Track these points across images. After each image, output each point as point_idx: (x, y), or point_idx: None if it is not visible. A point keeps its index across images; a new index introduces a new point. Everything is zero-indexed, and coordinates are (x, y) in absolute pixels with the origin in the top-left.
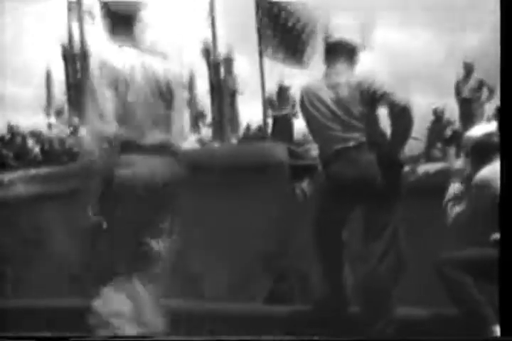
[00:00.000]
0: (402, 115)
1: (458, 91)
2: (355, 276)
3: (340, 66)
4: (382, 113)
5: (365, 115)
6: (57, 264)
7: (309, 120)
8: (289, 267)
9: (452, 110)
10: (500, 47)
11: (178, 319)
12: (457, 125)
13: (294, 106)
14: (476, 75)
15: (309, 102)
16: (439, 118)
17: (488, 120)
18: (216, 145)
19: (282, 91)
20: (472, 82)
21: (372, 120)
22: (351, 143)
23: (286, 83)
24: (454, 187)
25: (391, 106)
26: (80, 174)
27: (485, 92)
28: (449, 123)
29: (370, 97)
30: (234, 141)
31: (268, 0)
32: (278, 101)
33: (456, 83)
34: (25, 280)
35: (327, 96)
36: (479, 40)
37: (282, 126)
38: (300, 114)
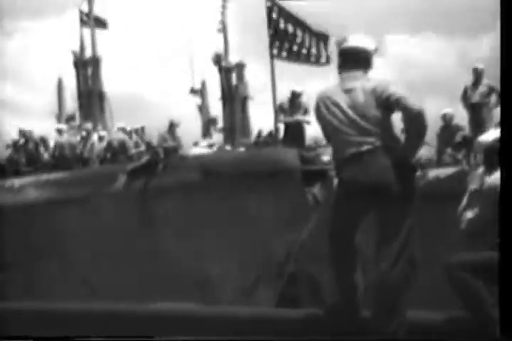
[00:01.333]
0: (416, 120)
1: (465, 97)
2: (368, 280)
3: (355, 71)
4: (395, 117)
5: (380, 119)
6: (68, 268)
7: (325, 125)
8: (299, 271)
9: (462, 115)
10: (501, 49)
11: (189, 322)
12: (467, 130)
13: (305, 111)
14: (486, 81)
15: (325, 107)
16: (448, 124)
17: (498, 125)
18: (228, 150)
19: (294, 97)
20: (481, 88)
21: (386, 124)
22: (365, 148)
23: (298, 89)
24: (469, 194)
25: (405, 111)
26: None
27: (494, 97)
28: (459, 128)
29: (385, 102)
30: (245, 146)
31: (279, 5)
32: (290, 107)
33: (465, 89)
34: (36, 284)
35: (343, 101)
36: (489, 45)
37: (294, 132)
38: (315, 119)
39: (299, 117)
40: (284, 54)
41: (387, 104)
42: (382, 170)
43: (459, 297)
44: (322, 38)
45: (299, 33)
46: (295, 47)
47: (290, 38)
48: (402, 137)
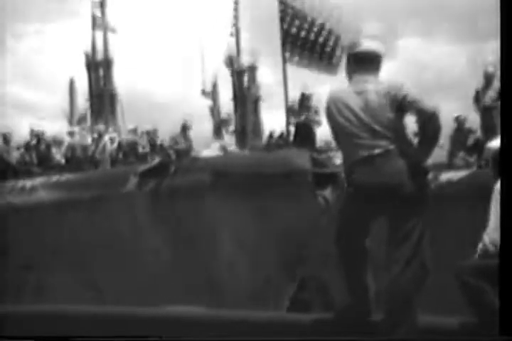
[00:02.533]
0: (430, 122)
1: (477, 100)
2: (379, 284)
3: (367, 75)
4: (407, 120)
5: (393, 122)
6: (78, 269)
7: (336, 127)
8: (310, 275)
9: (475, 118)
10: (501, 51)
11: (198, 326)
12: (479, 133)
13: (315, 113)
14: (497, 84)
15: (336, 109)
16: (460, 127)
17: None
18: (239, 152)
19: (304, 99)
20: (492, 91)
21: (399, 127)
22: (377, 151)
23: (308, 91)
24: None
25: (420, 113)
26: None
27: None
28: (472, 131)
29: (399, 104)
30: (257, 148)
31: (292, 6)
32: (299, 109)
33: (476, 92)
34: (46, 285)
35: (355, 103)
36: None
37: (304, 133)
38: (326, 121)
39: (307, 117)
40: (296, 58)
41: (402, 105)
42: (394, 173)
43: (467, 301)
44: (335, 37)
45: (312, 36)
46: (306, 52)
47: (302, 42)
48: (414, 140)
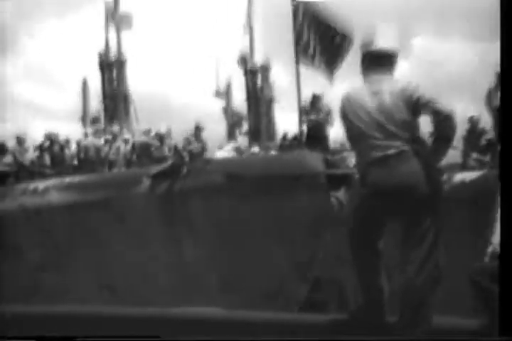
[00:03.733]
0: (445, 123)
1: (489, 101)
2: (393, 286)
3: (382, 74)
4: (422, 121)
5: (408, 122)
6: (90, 271)
7: (350, 127)
8: (324, 276)
9: (488, 119)
10: (501, 50)
11: (212, 327)
12: (492, 134)
13: (328, 114)
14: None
15: (351, 109)
16: (474, 127)
17: None
18: (253, 153)
19: (315, 99)
20: None
21: (413, 127)
22: (391, 151)
23: (320, 91)
24: None
25: (435, 114)
26: None
27: None
28: (485, 132)
29: (414, 104)
30: (270, 149)
31: (305, 8)
32: (311, 109)
33: (488, 92)
34: (59, 287)
35: (369, 103)
36: None
37: (315, 133)
38: (340, 121)
39: (318, 117)
40: (308, 59)
41: (417, 106)
42: (408, 173)
43: (479, 302)
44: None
45: (323, 38)
46: (317, 53)
47: (313, 43)
48: (429, 141)
